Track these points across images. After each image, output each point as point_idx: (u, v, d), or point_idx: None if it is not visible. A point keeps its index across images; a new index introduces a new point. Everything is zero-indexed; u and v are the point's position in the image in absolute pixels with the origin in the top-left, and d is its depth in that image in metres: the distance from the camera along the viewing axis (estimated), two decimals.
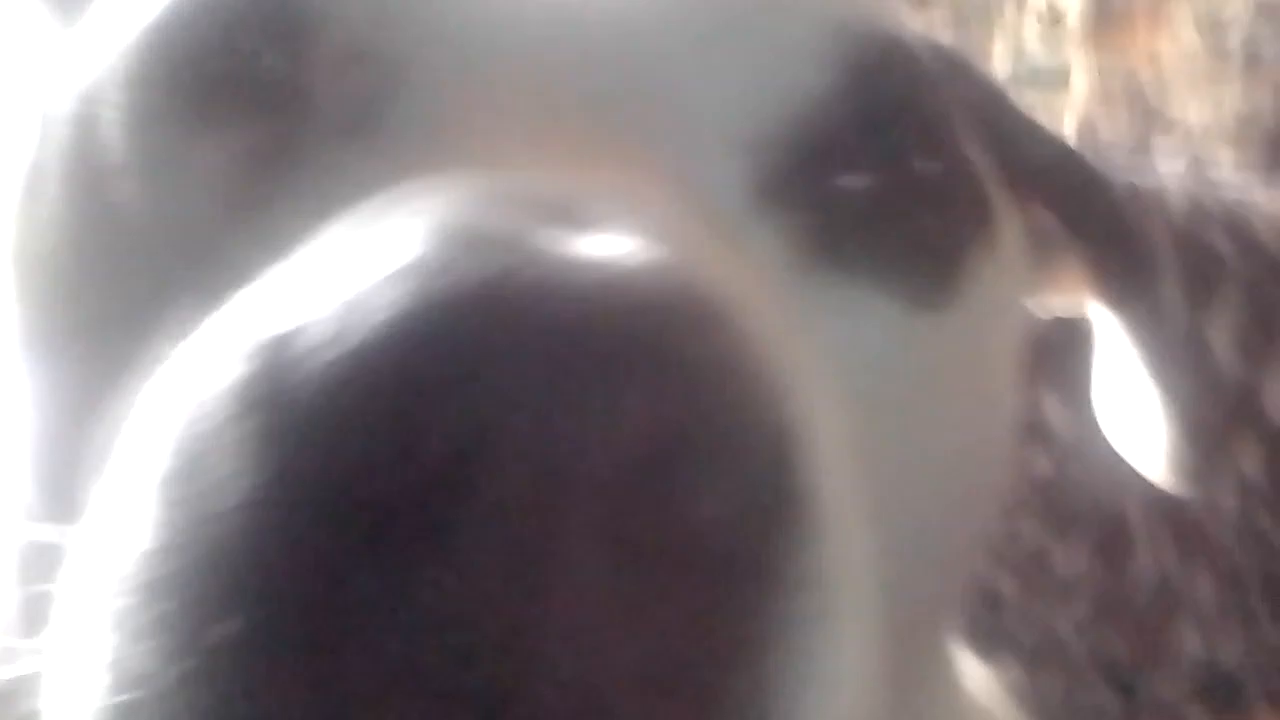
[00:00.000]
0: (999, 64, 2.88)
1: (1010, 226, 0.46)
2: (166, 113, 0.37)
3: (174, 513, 0.24)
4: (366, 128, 0.35)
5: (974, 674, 0.61)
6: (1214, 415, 1.07)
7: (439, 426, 0.22)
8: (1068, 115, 2.88)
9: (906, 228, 0.39)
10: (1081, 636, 1.03)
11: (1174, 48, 2.87)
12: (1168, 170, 1.24)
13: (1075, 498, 1.04)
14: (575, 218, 0.26)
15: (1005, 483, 0.46)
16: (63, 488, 0.37)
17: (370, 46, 0.36)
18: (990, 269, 0.42)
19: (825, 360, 0.36)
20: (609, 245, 0.25)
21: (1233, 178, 1.30)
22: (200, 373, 0.25)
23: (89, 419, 0.36)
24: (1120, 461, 0.57)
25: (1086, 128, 2.88)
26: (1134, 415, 0.56)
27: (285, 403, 0.23)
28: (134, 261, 0.37)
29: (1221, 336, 1.09)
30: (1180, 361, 0.54)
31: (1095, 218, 0.53)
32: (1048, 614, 1.03)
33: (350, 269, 0.24)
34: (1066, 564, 1.03)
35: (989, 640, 1.01)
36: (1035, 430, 1.04)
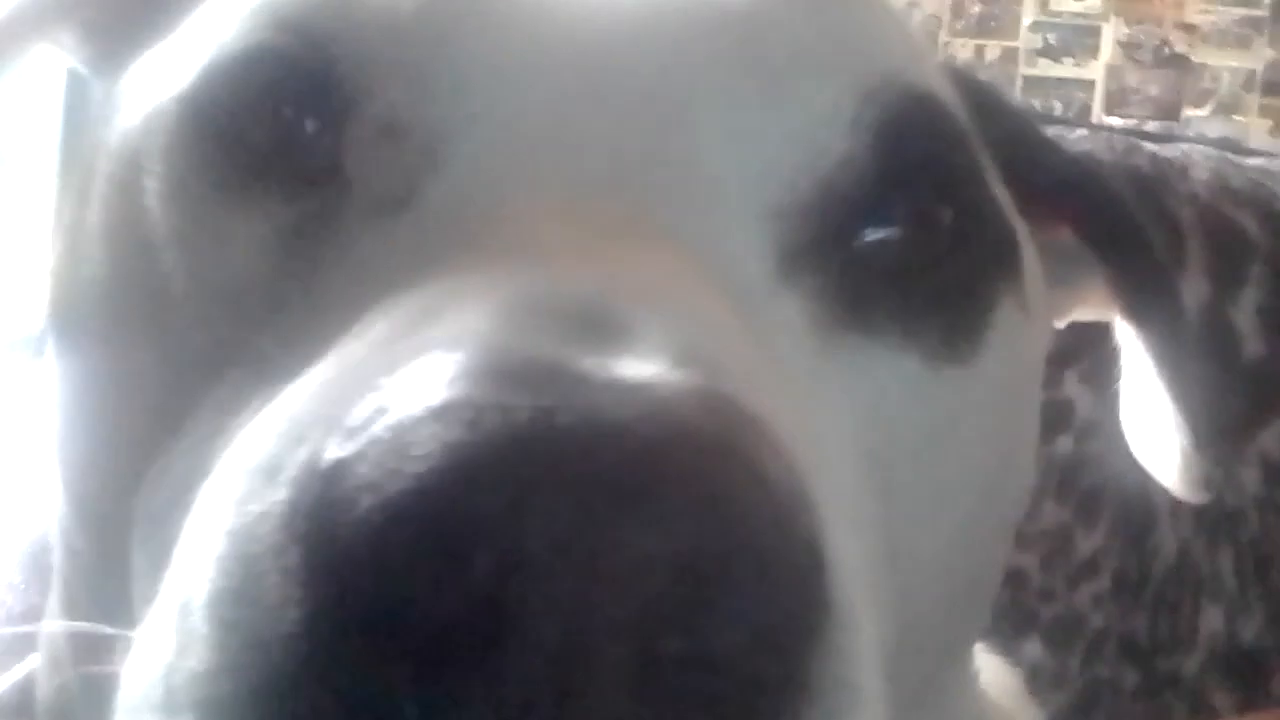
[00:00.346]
0: (1027, 26, 2.86)
1: (1034, 261, 0.47)
2: (205, 184, 0.38)
3: (225, 635, 0.26)
4: (404, 204, 0.35)
5: (993, 672, 0.62)
6: (1237, 392, 1.07)
7: (480, 570, 0.24)
8: (1097, 75, 2.86)
9: (932, 285, 0.40)
10: (1101, 612, 1.04)
11: (1202, 6, 2.85)
12: (1197, 131, 1.24)
13: (1096, 474, 1.04)
14: (608, 331, 0.27)
15: (1027, 503, 0.47)
16: (104, 535, 0.38)
17: (407, 122, 0.37)
18: (1015, 312, 0.43)
19: (846, 422, 0.37)
20: (641, 369, 0.26)
21: (1259, 144, 1.30)
22: (249, 486, 0.26)
23: (131, 472, 0.37)
24: None
25: (1115, 88, 2.86)
26: (1153, 426, 0.57)
27: (331, 540, 0.24)
28: (177, 328, 0.37)
29: (1245, 313, 1.10)
30: (1197, 377, 0.55)
31: (1116, 237, 0.54)
32: (1068, 590, 1.04)
33: (394, 393, 0.25)
34: (1087, 540, 1.04)
35: (1010, 617, 1.02)
36: (1057, 408, 1.05)
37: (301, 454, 0.26)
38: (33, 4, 0.50)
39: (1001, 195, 0.45)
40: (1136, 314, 0.55)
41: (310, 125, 0.37)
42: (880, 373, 0.38)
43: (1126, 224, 0.54)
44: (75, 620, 0.44)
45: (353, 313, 0.32)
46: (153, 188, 0.39)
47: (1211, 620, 1.05)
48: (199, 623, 0.26)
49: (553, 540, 0.24)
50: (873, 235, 0.39)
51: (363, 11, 0.38)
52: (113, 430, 0.39)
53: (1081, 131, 1.21)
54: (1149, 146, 1.16)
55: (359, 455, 0.25)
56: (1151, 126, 2.41)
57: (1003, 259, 0.43)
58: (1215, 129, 2.60)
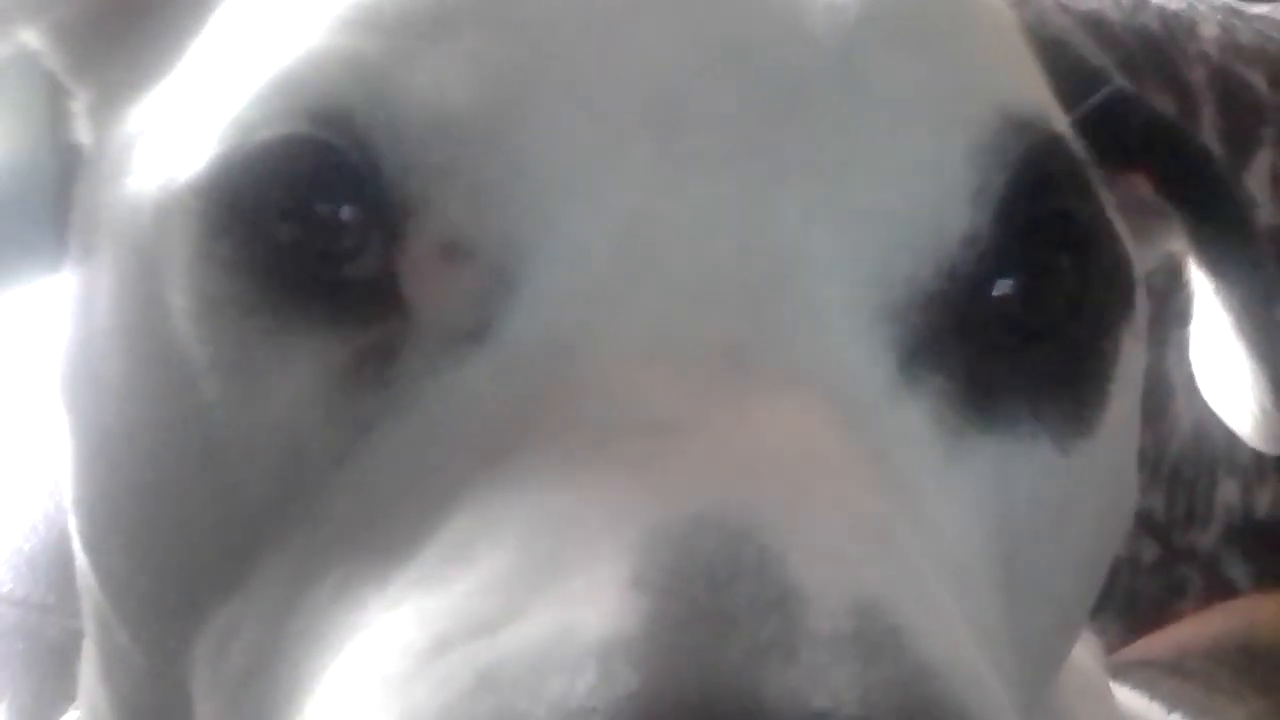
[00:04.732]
0: None
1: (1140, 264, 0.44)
2: (239, 313, 0.33)
3: None
4: (476, 338, 0.32)
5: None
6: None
7: None
8: None
9: (1057, 350, 0.36)
10: None
11: None
12: None
13: None
14: (783, 612, 0.24)
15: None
16: (156, 654, 0.36)
17: (470, 238, 0.32)
18: (1133, 348, 0.40)
19: (977, 529, 0.34)
20: (844, 690, 0.23)
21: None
22: None
23: (184, 612, 0.34)
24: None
25: None
26: (1227, 375, 0.55)
27: None
28: (224, 468, 0.33)
29: (1259, 180, 1.08)
30: (1274, 330, 0.53)
31: (1194, 188, 0.52)
32: None
33: (551, 686, 0.23)
34: None
35: None
36: None
37: None
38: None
39: (1115, 216, 0.41)
40: (1217, 269, 0.53)
41: (359, 245, 0.33)
42: (1012, 469, 0.35)
43: (1211, 177, 0.52)
44: (117, 698, 0.42)
45: (436, 485, 0.29)
46: (181, 307, 0.34)
47: (1228, 494, 1.05)
48: None
49: None
50: (994, 291, 0.35)
51: (407, 99, 0.32)
52: (155, 559, 0.35)
53: None
54: (1155, 1, 1.12)
55: None
56: None
57: (1122, 294, 0.39)
58: None
